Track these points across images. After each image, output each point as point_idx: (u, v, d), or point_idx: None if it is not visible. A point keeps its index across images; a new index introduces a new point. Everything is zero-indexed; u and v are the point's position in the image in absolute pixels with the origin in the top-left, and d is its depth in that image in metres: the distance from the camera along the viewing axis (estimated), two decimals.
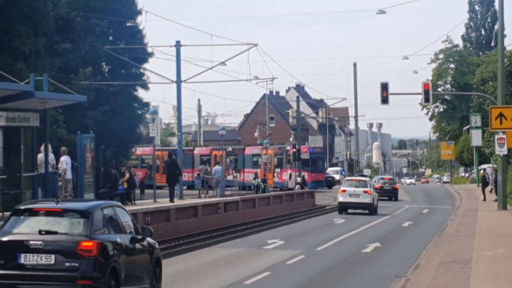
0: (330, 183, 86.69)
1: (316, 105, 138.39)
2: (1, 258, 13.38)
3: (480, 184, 61.84)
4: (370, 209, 46.77)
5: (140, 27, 61.04)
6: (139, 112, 62.51)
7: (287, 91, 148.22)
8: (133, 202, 34.82)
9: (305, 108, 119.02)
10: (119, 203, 16.34)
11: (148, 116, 55.83)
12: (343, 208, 47.48)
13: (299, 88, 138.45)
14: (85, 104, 46.13)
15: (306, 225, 40.24)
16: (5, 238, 13.58)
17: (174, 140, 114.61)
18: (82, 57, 54.11)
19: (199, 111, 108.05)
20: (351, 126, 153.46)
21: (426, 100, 48.58)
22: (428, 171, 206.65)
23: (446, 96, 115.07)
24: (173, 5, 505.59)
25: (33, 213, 13.97)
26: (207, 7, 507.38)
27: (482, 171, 67.66)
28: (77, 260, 13.22)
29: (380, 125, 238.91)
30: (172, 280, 18.89)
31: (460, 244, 26.36)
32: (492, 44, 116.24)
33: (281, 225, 40.25)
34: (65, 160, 28.49)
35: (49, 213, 13.88)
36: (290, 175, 68.07)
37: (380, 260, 24.21)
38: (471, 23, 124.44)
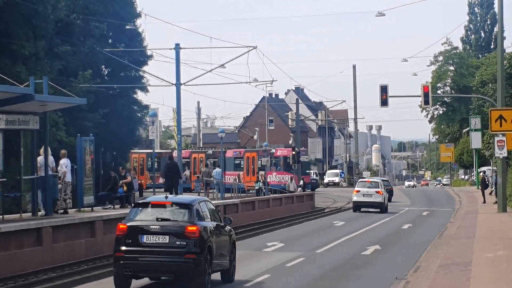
0: (314, 185, 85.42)
1: (316, 107, 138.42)
2: (128, 238, 17.72)
3: (480, 186, 61.84)
4: (382, 208, 51.16)
5: (140, 30, 61.06)
6: (139, 114, 62.47)
7: (286, 93, 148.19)
8: (132, 204, 34.72)
9: (304, 111, 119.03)
10: (208, 199, 20.86)
11: (147, 118, 55.76)
12: (357, 206, 51.81)
13: (299, 91, 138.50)
14: (85, 107, 46.12)
15: (306, 227, 40.23)
16: (131, 224, 17.92)
17: (173, 142, 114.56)
18: (81, 60, 54.10)
19: (199, 113, 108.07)
20: (351, 128, 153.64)
21: (426, 102, 48.59)
22: (428, 174, 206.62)
23: (445, 98, 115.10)
24: (172, 7, 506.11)
25: (149, 205, 18.39)
26: (206, 8, 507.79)
27: (482, 173, 67.69)
28: (185, 240, 17.57)
29: (379, 127, 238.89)
30: (172, 283, 18.85)
31: (460, 247, 26.36)
32: (492, 46, 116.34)
33: (281, 227, 40.23)
34: (64, 163, 28.45)
35: (161, 205, 18.35)
36: (292, 178, 68.20)
37: (380, 263, 24.22)
38: (471, 25, 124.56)
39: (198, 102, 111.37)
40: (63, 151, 29.11)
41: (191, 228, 17.59)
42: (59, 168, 28.18)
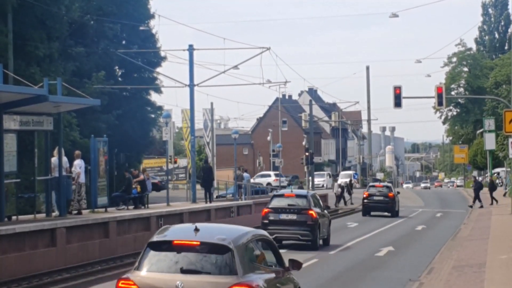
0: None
1: (329, 108, 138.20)
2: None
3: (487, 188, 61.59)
4: None
5: (153, 31, 61.12)
6: (152, 116, 62.57)
7: (299, 94, 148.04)
8: (146, 205, 34.83)
9: (318, 112, 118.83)
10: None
11: (161, 120, 55.83)
12: None
13: (312, 92, 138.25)
14: (98, 108, 46.24)
15: None
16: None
17: (185, 143, 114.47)
18: (95, 61, 54.22)
19: (212, 114, 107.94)
20: (364, 129, 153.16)
21: (440, 103, 48.50)
22: (442, 175, 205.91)
23: (459, 100, 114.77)
24: (185, 9, 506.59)
25: None
26: (220, 10, 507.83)
27: (490, 176, 67.61)
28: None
29: (393, 129, 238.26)
30: None
31: (474, 248, 26.28)
32: (506, 47, 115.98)
33: None
34: (78, 163, 28.53)
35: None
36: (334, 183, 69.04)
37: (393, 264, 24.17)
38: (485, 26, 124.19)
39: (212, 103, 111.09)
40: (77, 152, 29.20)
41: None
42: (73, 169, 28.26)
